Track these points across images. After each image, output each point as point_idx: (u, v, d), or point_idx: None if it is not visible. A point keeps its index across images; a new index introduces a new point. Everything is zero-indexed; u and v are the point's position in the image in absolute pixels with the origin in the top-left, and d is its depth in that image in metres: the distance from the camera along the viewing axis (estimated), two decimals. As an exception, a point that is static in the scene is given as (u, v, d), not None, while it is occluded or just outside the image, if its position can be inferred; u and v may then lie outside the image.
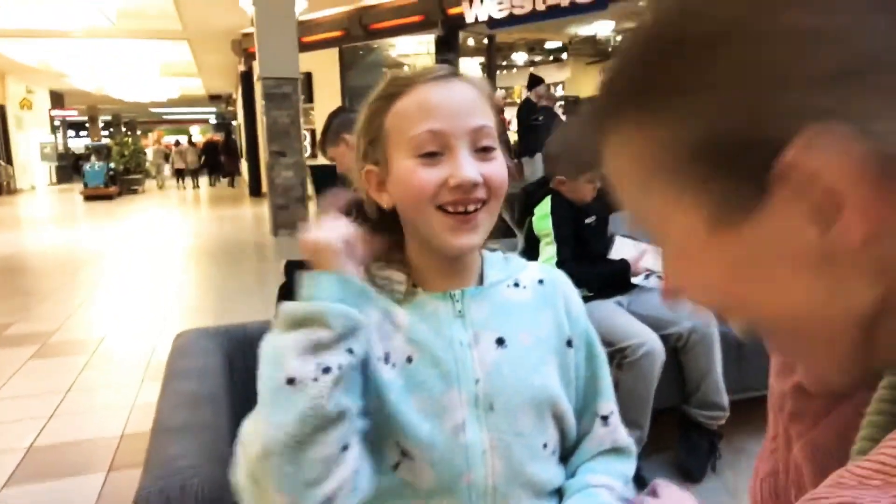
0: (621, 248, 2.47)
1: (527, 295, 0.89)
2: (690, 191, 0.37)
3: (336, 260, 0.76)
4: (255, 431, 0.71)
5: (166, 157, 23.63)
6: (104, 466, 2.52)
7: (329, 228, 0.78)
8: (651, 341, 2.09)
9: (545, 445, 0.85)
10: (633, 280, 2.34)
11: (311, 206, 8.78)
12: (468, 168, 0.78)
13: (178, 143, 22.56)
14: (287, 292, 2.72)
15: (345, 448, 0.72)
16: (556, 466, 0.88)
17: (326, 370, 0.70)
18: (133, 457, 2.59)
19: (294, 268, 2.82)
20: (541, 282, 0.91)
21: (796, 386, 0.47)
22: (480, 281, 0.88)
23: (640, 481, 2.09)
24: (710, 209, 0.36)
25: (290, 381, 0.69)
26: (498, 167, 0.81)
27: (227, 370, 1.59)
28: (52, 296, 5.53)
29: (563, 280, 0.94)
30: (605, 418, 0.91)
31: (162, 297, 5.43)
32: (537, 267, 0.94)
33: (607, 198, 1.84)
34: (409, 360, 0.81)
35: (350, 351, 0.72)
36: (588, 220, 2.38)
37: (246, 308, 4.82)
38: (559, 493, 0.88)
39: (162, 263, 7.06)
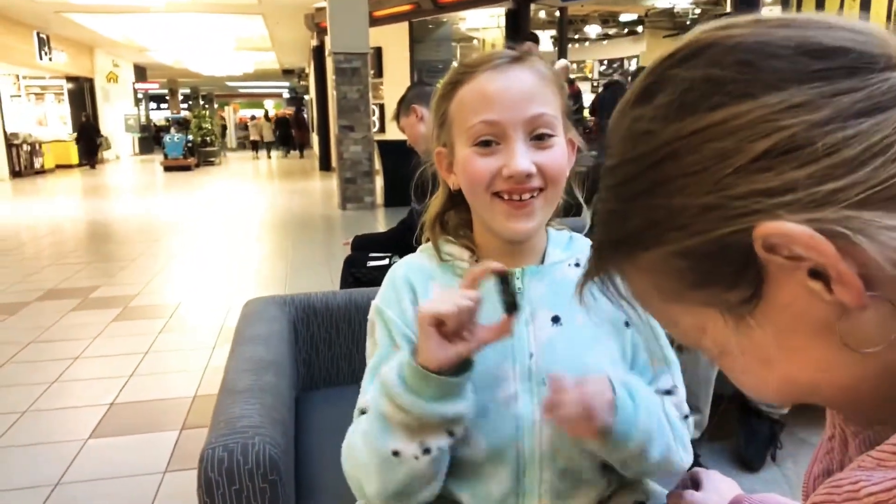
0: None
1: None
2: (704, 301, 0.40)
3: (443, 339, 0.75)
4: (366, 471, 0.80)
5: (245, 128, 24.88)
6: (178, 424, 2.66)
7: (444, 301, 0.75)
8: None
9: None
10: None
11: (378, 181, 8.90)
12: (521, 159, 0.80)
13: (253, 118, 23.81)
14: (351, 264, 2.78)
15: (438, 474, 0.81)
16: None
17: (427, 451, 0.77)
18: (204, 417, 2.72)
19: (360, 242, 2.89)
20: None
21: None
22: (543, 260, 0.90)
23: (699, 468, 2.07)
24: (727, 309, 0.39)
25: (395, 454, 0.77)
26: (554, 156, 0.81)
27: (291, 336, 1.66)
28: (133, 262, 5.82)
29: None
30: (668, 392, 0.92)
31: (235, 265, 5.64)
32: None
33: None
34: None
35: (451, 434, 0.78)
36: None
37: (314, 277, 4.96)
38: (605, 466, 0.89)
39: (235, 233, 7.31)
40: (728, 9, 11.27)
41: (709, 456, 2.17)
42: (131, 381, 3.13)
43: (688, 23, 15.28)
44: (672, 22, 15.55)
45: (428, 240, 0.94)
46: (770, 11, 9.85)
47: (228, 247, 6.53)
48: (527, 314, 0.86)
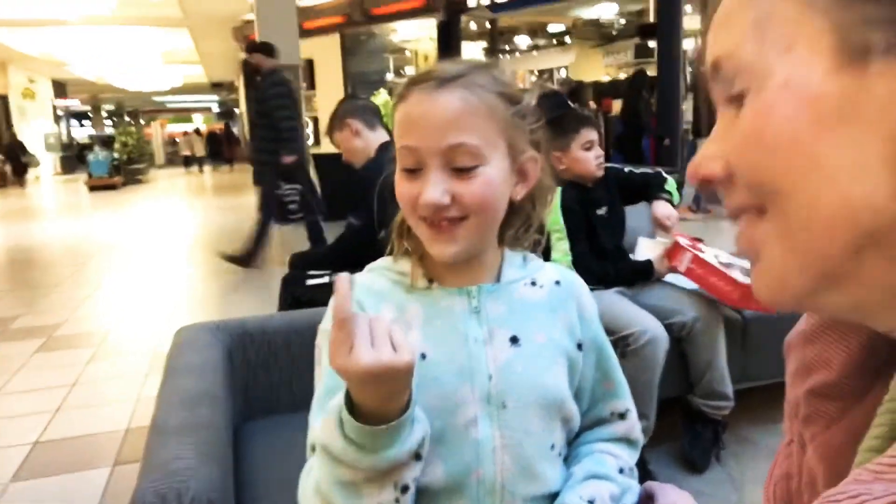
0: (644, 249, 2.43)
1: (542, 294, 0.88)
2: (823, 17, 0.34)
3: (403, 383, 0.69)
4: None
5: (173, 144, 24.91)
6: (109, 461, 2.52)
7: (367, 353, 0.66)
8: (654, 329, 2.07)
9: (552, 446, 0.85)
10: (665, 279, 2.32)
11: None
12: (431, 190, 0.76)
13: (186, 133, 24.55)
14: (289, 283, 2.71)
15: None
16: (562, 468, 0.88)
17: (405, 489, 0.72)
18: (139, 451, 2.56)
19: (298, 260, 2.81)
20: (557, 283, 0.91)
21: (810, 390, 0.46)
22: (498, 279, 0.87)
23: (646, 472, 2.09)
24: (839, 39, 0.34)
25: None
26: (473, 187, 0.77)
27: (226, 365, 1.59)
28: (57, 288, 5.54)
29: (578, 283, 0.94)
30: (622, 415, 0.93)
31: (167, 288, 5.43)
32: (555, 268, 0.93)
33: (616, 183, 1.80)
34: (424, 356, 0.80)
35: (418, 457, 0.73)
36: (599, 212, 2.31)
37: (251, 299, 4.82)
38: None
39: (166, 255, 7.06)
40: (651, 19, 11.64)
41: (655, 460, 2.19)
42: (57, 417, 2.95)
43: (613, 33, 15.72)
44: (598, 32, 15.95)
45: (390, 252, 0.90)
46: (690, 20, 10.21)
47: (160, 268, 6.30)
48: (484, 334, 0.83)
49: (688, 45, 10.19)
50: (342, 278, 0.66)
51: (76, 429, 2.83)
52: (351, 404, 0.69)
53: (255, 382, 1.65)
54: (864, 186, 0.33)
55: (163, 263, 6.54)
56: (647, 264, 2.29)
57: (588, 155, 2.24)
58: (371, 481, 0.70)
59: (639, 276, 2.29)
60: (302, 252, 2.96)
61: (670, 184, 2.37)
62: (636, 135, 8.21)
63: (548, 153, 0.88)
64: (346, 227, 2.59)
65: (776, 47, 0.35)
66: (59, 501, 2.26)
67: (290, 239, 7.47)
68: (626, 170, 2.50)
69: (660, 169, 2.47)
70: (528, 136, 0.83)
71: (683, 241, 2.23)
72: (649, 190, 2.38)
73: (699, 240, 2.33)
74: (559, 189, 2.26)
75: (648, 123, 8.39)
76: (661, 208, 2.31)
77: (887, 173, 0.32)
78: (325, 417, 0.72)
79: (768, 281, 0.38)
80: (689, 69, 10.12)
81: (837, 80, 0.33)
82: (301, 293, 2.60)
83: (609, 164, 2.41)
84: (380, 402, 0.68)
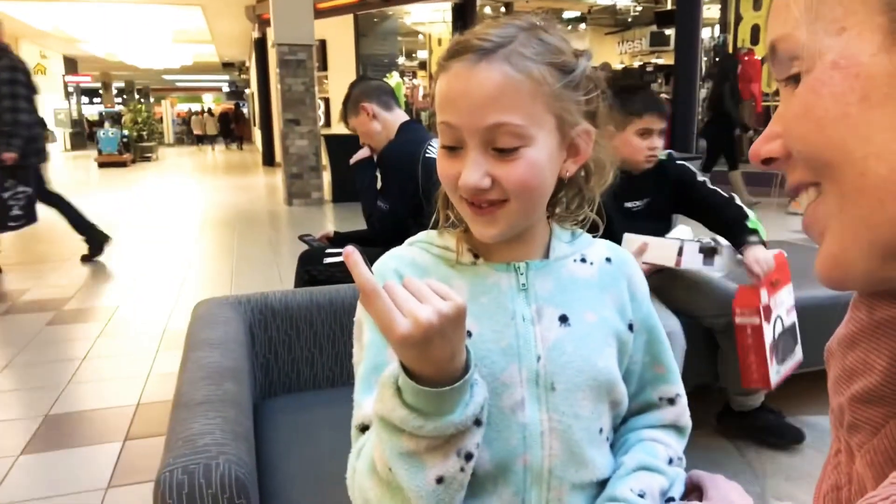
0: (626, 245, 2.26)
1: (593, 271, 0.83)
2: None
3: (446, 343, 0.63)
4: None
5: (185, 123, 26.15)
6: (120, 435, 2.49)
7: (420, 309, 0.61)
8: (669, 326, 1.98)
9: (601, 430, 0.81)
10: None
11: (325, 176, 8.72)
12: (471, 173, 0.72)
13: (197, 112, 27.02)
14: (306, 260, 2.66)
15: None
16: (609, 454, 0.84)
17: (469, 457, 0.67)
18: (149, 426, 2.56)
19: (339, 238, 2.75)
20: (608, 260, 0.86)
21: (854, 396, 0.45)
22: (546, 254, 0.82)
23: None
24: (889, 21, 0.35)
25: (440, 480, 0.66)
26: (515, 170, 0.72)
27: (248, 340, 1.54)
28: (66, 263, 5.51)
29: (630, 260, 0.88)
30: (671, 400, 0.88)
31: (177, 265, 5.40)
32: (605, 244, 0.88)
33: (680, 186, 1.66)
34: (469, 334, 0.75)
35: (479, 423, 0.68)
36: (629, 204, 2.13)
37: (262, 276, 4.79)
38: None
39: (176, 232, 7.03)
40: (669, 6, 11.51)
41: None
42: (67, 391, 2.92)
43: (629, 20, 15.55)
44: (614, 19, 15.79)
45: (434, 225, 0.85)
46: (708, 10, 10.07)
47: (169, 246, 6.27)
48: (532, 312, 0.78)
49: (705, 34, 10.06)
50: (349, 252, 0.60)
51: (87, 403, 2.80)
52: (406, 374, 0.64)
53: (276, 359, 1.61)
54: None
55: (172, 240, 6.50)
56: None
57: (641, 143, 2.05)
58: (434, 450, 0.65)
59: None
60: (345, 233, 2.90)
61: (753, 221, 2.12)
62: (726, 127, 7.64)
63: (603, 124, 0.81)
64: (376, 210, 2.52)
65: (828, 30, 0.38)
66: (70, 475, 2.23)
67: (298, 220, 7.44)
68: (701, 179, 2.22)
69: (734, 196, 2.19)
70: (581, 107, 0.76)
71: (763, 298, 2.04)
72: (733, 229, 2.09)
73: (774, 285, 2.10)
74: None
75: (735, 114, 7.93)
76: (758, 253, 2.01)
77: None
78: (378, 390, 0.67)
79: (830, 260, 0.40)
80: (705, 58, 10.00)
81: (886, 59, 0.35)
82: (318, 271, 2.55)
83: (681, 161, 2.23)
84: (441, 363, 0.63)
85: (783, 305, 2.12)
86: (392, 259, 0.83)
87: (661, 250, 2.00)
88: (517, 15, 0.78)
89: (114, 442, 2.44)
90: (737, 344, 2.06)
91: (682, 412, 0.90)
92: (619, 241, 2.12)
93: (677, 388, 0.89)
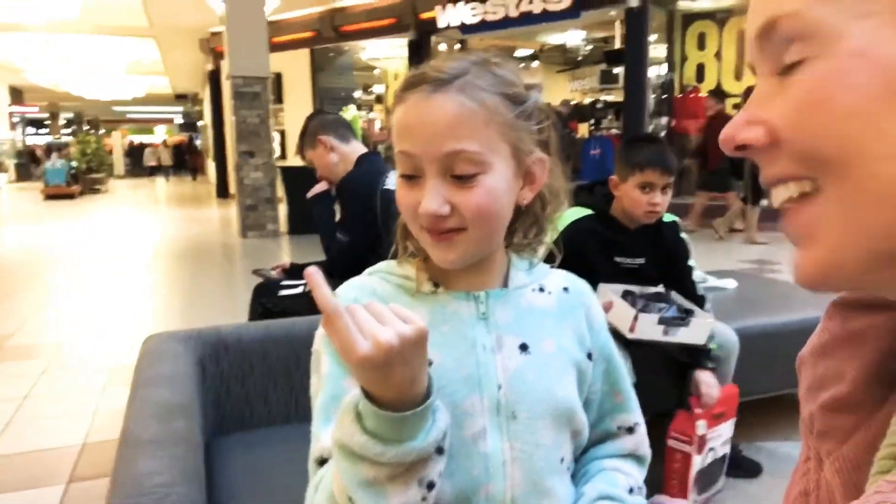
0: (599, 296, 2.10)
1: (551, 301, 0.85)
2: None
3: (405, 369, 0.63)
4: None
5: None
6: (64, 477, 2.39)
7: (381, 331, 0.61)
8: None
9: (562, 460, 0.82)
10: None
11: (282, 208, 8.65)
12: (430, 200, 0.73)
13: (150, 145, 27.64)
14: (261, 293, 2.62)
15: None
16: (570, 483, 0.85)
17: (431, 486, 0.67)
18: (95, 467, 2.46)
19: (297, 270, 2.71)
20: (566, 289, 0.87)
21: (824, 405, 0.45)
22: (505, 284, 0.83)
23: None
24: None
25: None
26: (475, 196, 0.73)
27: (198, 375, 1.51)
28: (8, 298, 5.31)
29: (587, 290, 0.90)
30: (630, 429, 0.90)
31: (126, 299, 5.25)
32: (562, 274, 0.90)
33: (671, 256, 1.61)
34: (430, 362, 0.74)
35: (440, 451, 0.67)
36: (620, 259, 2.05)
37: (214, 311, 4.69)
38: None
39: (126, 265, 6.85)
40: (618, 45, 11.89)
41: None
42: (8, 431, 2.79)
43: (579, 58, 15.98)
44: (564, 57, 16.19)
45: (393, 255, 0.85)
46: (655, 49, 10.44)
47: (119, 279, 6.10)
48: (493, 341, 0.79)
49: (652, 72, 10.41)
50: (311, 272, 0.60)
51: (28, 444, 2.68)
52: (367, 399, 0.64)
53: (229, 395, 1.58)
54: None
55: (122, 274, 6.33)
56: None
57: (641, 197, 1.96)
58: (396, 479, 0.64)
59: None
60: (301, 264, 2.86)
61: (715, 343, 2.06)
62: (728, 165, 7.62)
63: (559, 152, 0.84)
64: (334, 243, 2.51)
65: (852, 11, 0.34)
66: (8, 521, 2.12)
67: (252, 253, 7.34)
68: (691, 264, 2.19)
69: (706, 297, 2.17)
70: (534, 136, 0.79)
71: (701, 429, 2.02)
72: (694, 352, 2.02)
73: (717, 417, 2.08)
74: (576, 215, 2.02)
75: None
76: (708, 382, 1.98)
77: None
78: (339, 417, 0.66)
79: (819, 264, 0.37)
80: (653, 95, 10.33)
81: None
82: (273, 304, 2.52)
83: (685, 239, 2.17)
84: (402, 387, 0.63)
85: (720, 438, 2.10)
86: (352, 288, 0.83)
87: (620, 312, 1.93)
88: (471, 51, 0.80)
89: (56, 485, 2.34)
90: (664, 467, 2.06)
91: (641, 441, 0.91)
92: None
93: (636, 416, 0.91)
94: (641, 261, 2.07)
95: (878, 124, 0.33)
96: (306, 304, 2.50)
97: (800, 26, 0.36)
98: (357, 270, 0.89)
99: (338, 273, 2.43)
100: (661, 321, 1.92)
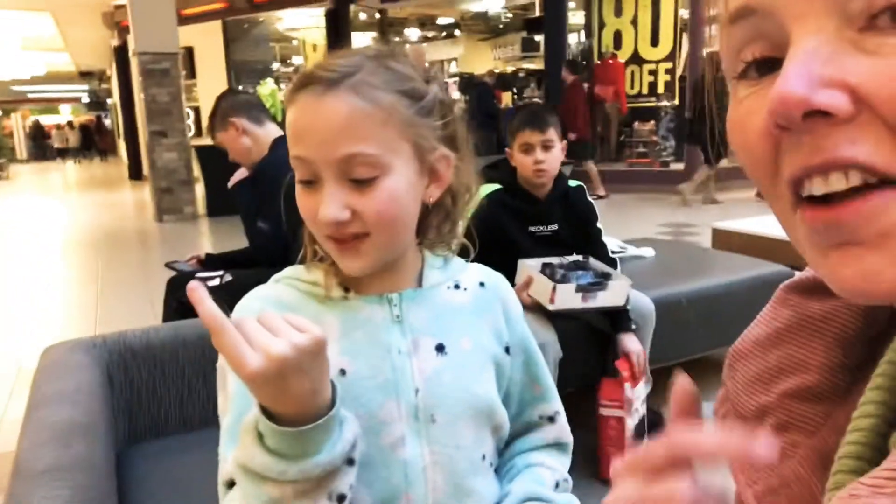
0: (520, 272, 2.17)
1: (467, 297, 0.83)
2: None
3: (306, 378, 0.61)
4: None
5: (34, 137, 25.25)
6: (-31, 494, 2.24)
7: (273, 343, 0.58)
8: (544, 337, 2.00)
9: (483, 457, 0.81)
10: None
11: (199, 189, 8.33)
12: (328, 207, 0.69)
13: (59, 126, 26.70)
14: (175, 287, 2.51)
15: None
16: (494, 480, 0.84)
17: (341, 499, 0.65)
18: (4, 480, 2.32)
19: (215, 261, 2.59)
20: (482, 284, 0.86)
21: (788, 394, 0.43)
22: (419, 283, 0.81)
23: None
24: None
25: None
26: (375, 200, 0.70)
27: (105, 386, 1.42)
28: None
29: (503, 283, 0.89)
30: (551, 418, 0.90)
31: (33, 296, 4.96)
32: (478, 268, 0.88)
33: (579, 220, 1.65)
34: (343, 372, 0.73)
35: (351, 462, 0.65)
36: (534, 229, 2.14)
37: (128, 306, 4.48)
38: None
39: (33, 257, 6.46)
40: (537, 13, 11.94)
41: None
42: None
43: (500, 27, 15.98)
44: (486, 25, 16.16)
45: (301, 260, 0.81)
46: (573, 16, 10.53)
47: (24, 274, 5.75)
48: (408, 344, 0.77)
49: (572, 39, 10.51)
50: (192, 287, 0.58)
51: (-73, 461, 2.50)
52: (267, 418, 0.61)
53: (140, 403, 1.49)
54: None
55: (29, 268, 5.97)
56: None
57: (525, 159, 2.07)
58: (302, 495, 0.62)
59: None
60: (218, 254, 2.73)
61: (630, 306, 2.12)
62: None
63: (463, 147, 0.81)
64: (257, 234, 2.41)
65: None
66: None
67: (170, 238, 7.06)
68: (599, 227, 2.25)
69: (616, 260, 2.24)
70: (437, 132, 0.76)
71: (628, 392, 2.07)
72: (616, 318, 2.10)
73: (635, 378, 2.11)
74: (485, 191, 2.06)
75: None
76: (633, 345, 2.07)
77: None
78: (240, 437, 0.63)
79: (884, 277, 0.31)
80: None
81: None
82: (188, 298, 2.40)
83: (591, 202, 2.25)
84: (301, 399, 0.61)
85: (639, 399, 2.16)
86: (256, 300, 0.79)
87: (539, 286, 1.98)
88: (367, 46, 0.76)
89: (-39, 503, 2.19)
90: (599, 435, 2.10)
91: (562, 429, 0.92)
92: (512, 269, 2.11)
93: (556, 405, 0.91)
94: (555, 227, 2.16)
95: None
96: (224, 297, 2.40)
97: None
98: (283, 258, 0.85)
99: (264, 262, 2.36)
100: (579, 289, 1.97)
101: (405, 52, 0.78)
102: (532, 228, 2.14)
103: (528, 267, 2.02)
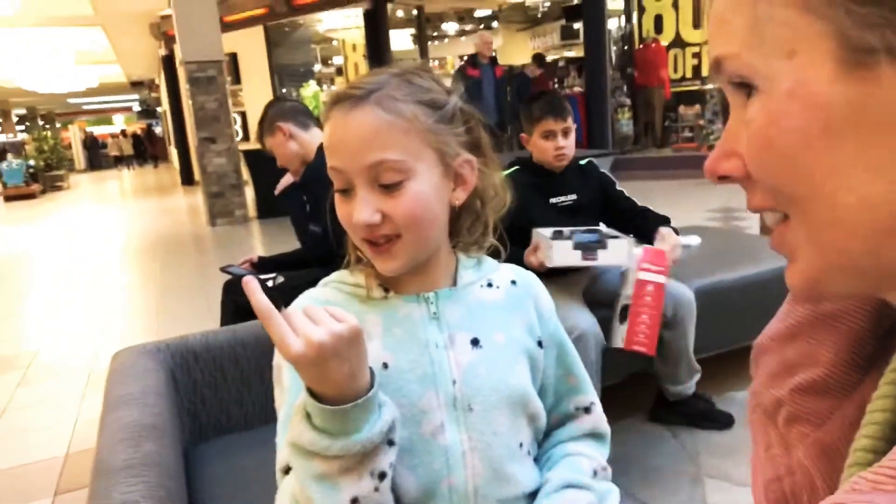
0: (534, 238, 2.22)
1: (500, 295, 0.88)
2: (821, 20, 0.33)
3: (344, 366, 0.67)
4: None
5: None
6: (49, 491, 2.38)
7: (313, 330, 0.66)
8: (583, 325, 2.04)
9: (521, 445, 0.85)
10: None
11: (248, 193, 8.55)
12: (361, 211, 0.77)
13: (114, 135, 28.91)
14: (231, 289, 2.60)
15: None
16: (533, 468, 0.88)
17: (382, 476, 0.71)
18: (81, 477, 2.46)
19: (266, 263, 2.69)
20: (513, 282, 0.91)
21: (798, 388, 0.45)
22: (454, 283, 0.87)
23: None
24: (841, 44, 0.33)
25: (355, 502, 0.69)
26: (403, 202, 0.77)
27: (171, 388, 1.50)
28: (-24, 308, 5.22)
29: (534, 281, 0.94)
30: (587, 409, 0.94)
31: (98, 301, 5.19)
32: (510, 268, 0.93)
33: (600, 190, 1.71)
34: (385, 365, 0.79)
35: (391, 443, 0.71)
36: (555, 200, 2.24)
37: (188, 308, 4.65)
38: (535, 496, 0.87)
39: (96, 264, 6.75)
40: (576, 0, 11.80)
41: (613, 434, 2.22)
42: (-13, 448, 2.77)
43: (539, 16, 15.84)
44: (524, 15, 16.05)
45: (346, 265, 0.88)
46: (613, 2, 10.37)
47: (89, 280, 6.02)
48: (445, 339, 0.82)
49: (612, 24, 10.36)
50: (246, 281, 0.67)
51: (9, 459, 2.66)
52: (313, 399, 0.69)
53: (203, 403, 1.58)
54: (878, 186, 0.33)
55: (91, 274, 6.24)
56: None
57: (546, 145, 2.20)
58: (347, 471, 0.69)
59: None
60: (270, 257, 2.84)
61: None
62: None
63: (487, 151, 0.86)
64: (309, 237, 2.49)
65: (777, 53, 0.35)
66: (-4, 541, 2.12)
67: (223, 241, 7.27)
68: (619, 189, 2.36)
69: (647, 206, 2.32)
70: (460, 138, 0.82)
71: (669, 259, 2.09)
72: (653, 226, 2.19)
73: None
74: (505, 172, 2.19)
75: None
76: (670, 237, 2.13)
77: None
78: (291, 420, 0.70)
79: (803, 279, 0.39)
80: (614, 49, 10.30)
81: (843, 87, 0.33)
82: (244, 300, 2.49)
83: (606, 172, 2.39)
84: (341, 382, 0.67)
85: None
86: (305, 299, 0.86)
87: (544, 248, 2.05)
88: (393, 64, 0.83)
89: (42, 499, 2.33)
90: (633, 301, 2.08)
91: (598, 420, 0.95)
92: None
93: (591, 396, 0.95)
94: (574, 196, 2.25)
95: (824, 159, 0.34)
96: (277, 298, 2.49)
97: (740, 66, 0.37)
98: (333, 258, 0.91)
99: (317, 264, 2.43)
100: (577, 246, 2.01)
101: (428, 68, 0.85)
102: (553, 200, 2.25)
103: (538, 233, 2.09)
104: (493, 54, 8.31)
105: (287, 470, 0.78)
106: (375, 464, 0.69)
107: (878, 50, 0.32)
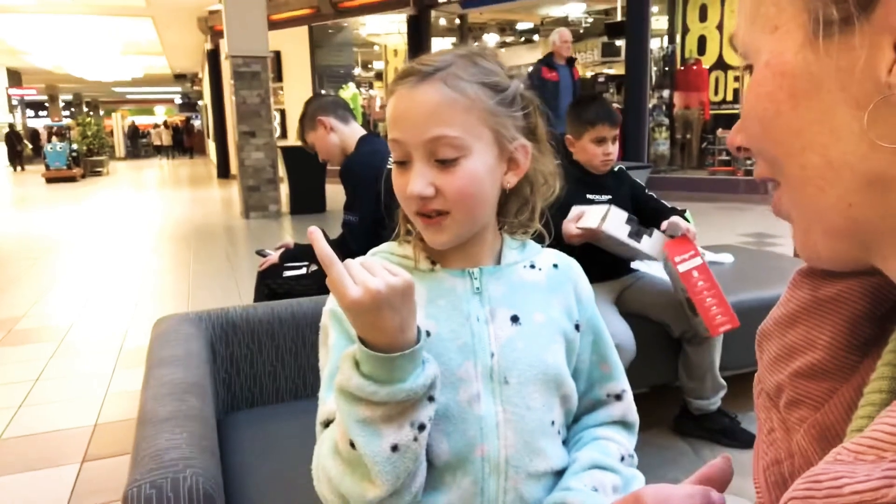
0: (572, 213, 2.26)
1: (541, 276, 0.91)
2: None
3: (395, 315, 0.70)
4: (362, 482, 0.73)
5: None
6: (77, 457, 2.45)
7: (371, 279, 0.68)
8: (618, 336, 2.05)
9: (553, 423, 0.87)
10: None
11: (283, 188, 8.67)
12: (416, 182, 0.79)
13: (156, 125, 30.50)
14: (266, 275, 2.66)
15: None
16: (562, 448, 0.90)
17: (422, 427, 0.73)
18: (108, 447, 2.53)
19: (299, 251, 2.75)
20: (555, 266, 0.93)
21: (796, 372, 0.46)
22: (498, 261, 0.89)
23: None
24: (809, 17, 0.36)
25: (395, 448, 0.72)
26: (456, 178, 0.79)
27: (209, 356, 1.55)
28: (15, 283, 5.37)
29: (575, 267, 0.96)
30: (618, 396, 0.96)
31: (132, 281, 5.31)
32: (553, 253, 0.96)
33: (630, 193, 1.74)
34: (428, 333, 0.81)
35: (431, 399, 0.74)
36: (592, 196, 2.28)
37: (219, 292, 4.74)
38: (563, 474, 0.89)
39: (130, 247, 6.90)
40: (619, 18, 11.79)
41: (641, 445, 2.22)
42: (21, 413, 2.86)
43: (581, 31, 15.85)
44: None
45: (395, 237, 0.92)
46: (657, 21, 10.36)
47: (124, 262, 6.15)
48: (486, 313, 0.85)
49: (654, 44, 10.34)
50: (312, 230, 0.69)
51: (41, 425, 2.74)
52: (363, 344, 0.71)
53: (238, 373, 1.62)
54: (840, 147, 0.36)
55: (126, 256, 6.39)
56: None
57: (596, 150, 2.24)
58: (389, 419, 0.71)
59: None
60: (305, 244, 2.89)
61: (689, 217, 2.28)
62: None
63: (542, 138, 0.89)
64: (343, 225, 2.54)
65: (764, 29, 0.39)
66: (27, 498, 2.18)
67: (255, 233, 7.38)
68: (650, 193, 2.44)
69: (674, 210, 2.36)
70: (517, 122, 0.84)
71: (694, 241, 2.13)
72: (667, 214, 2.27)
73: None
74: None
75: None
76: (679, 221, 2.19)
77: (857, 135, 0.36)
78: (340, 365, 0.73)
79: (798, 243, 0.42)
80: (655, 68, 10.27)
81: (805, 55, 0.37)
82: (278, 285, 2.55)
83: (637, 181, 2.45)
84: (392, 332, 0.70)
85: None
86: (356, 264, 0.88)
87: (591, 214, 2.09)
88: (460, 46, 0.86)
89: (71, 464, 2.40)
90: (689, 293, 2.09)
91: (628, 408, 0.97)
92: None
93: (623, 384, 0.97)
94: (609, 197, 2.28)
95: (791, 123, 0.38)
96: (310, 285, 2.53)
97: (740, 44, 0.42)
98: (365, 249, 0.94)
99: (347, 253, 2.47)
100: (629, 221, 2.08)
101: (493, 51, 0.87)
102: (590, 196, 2.29)
103: (584, 207, 2.14)
104: (573, 55, 7.32)
105: (327, 423, 0.81)
106: (416, 415, 0.72)
107: (836, 22, 0.35)
